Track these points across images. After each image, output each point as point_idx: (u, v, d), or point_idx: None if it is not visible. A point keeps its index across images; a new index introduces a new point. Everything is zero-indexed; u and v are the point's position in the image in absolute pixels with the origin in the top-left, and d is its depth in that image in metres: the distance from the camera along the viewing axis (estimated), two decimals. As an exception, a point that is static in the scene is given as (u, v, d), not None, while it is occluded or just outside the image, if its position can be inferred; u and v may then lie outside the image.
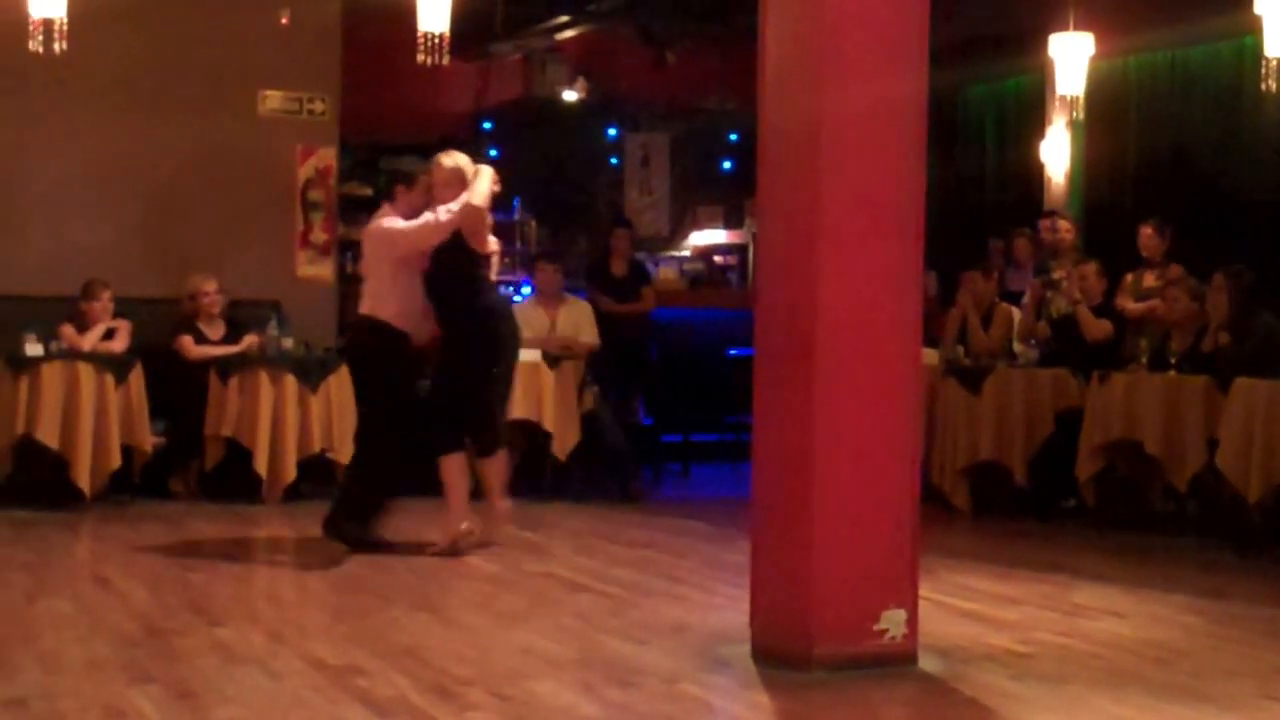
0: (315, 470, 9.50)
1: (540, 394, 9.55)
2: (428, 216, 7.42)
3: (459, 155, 7.59)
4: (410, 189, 7.60)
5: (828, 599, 5.08)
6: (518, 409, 9.49)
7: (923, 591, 5.31)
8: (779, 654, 5.15)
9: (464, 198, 7.37)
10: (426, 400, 7.58)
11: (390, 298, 7.46)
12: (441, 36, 8.83)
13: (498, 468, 7.78)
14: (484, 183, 7.43)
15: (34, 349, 8.93)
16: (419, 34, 8.86)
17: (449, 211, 7.36)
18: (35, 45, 8.65)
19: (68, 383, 8.85)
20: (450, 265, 7.42)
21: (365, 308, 7.58)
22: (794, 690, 4.92)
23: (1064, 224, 10.41)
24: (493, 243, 7.64)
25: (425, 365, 7.74)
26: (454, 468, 7.48)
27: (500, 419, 7.84)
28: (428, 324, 7.58)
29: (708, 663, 5.23)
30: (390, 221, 7.50)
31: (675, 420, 11.62)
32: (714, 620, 5.94)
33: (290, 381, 9.31)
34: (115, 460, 8.95)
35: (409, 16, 8.98)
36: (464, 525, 7.51)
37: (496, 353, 7.53)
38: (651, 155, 15.24)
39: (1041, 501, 9.20)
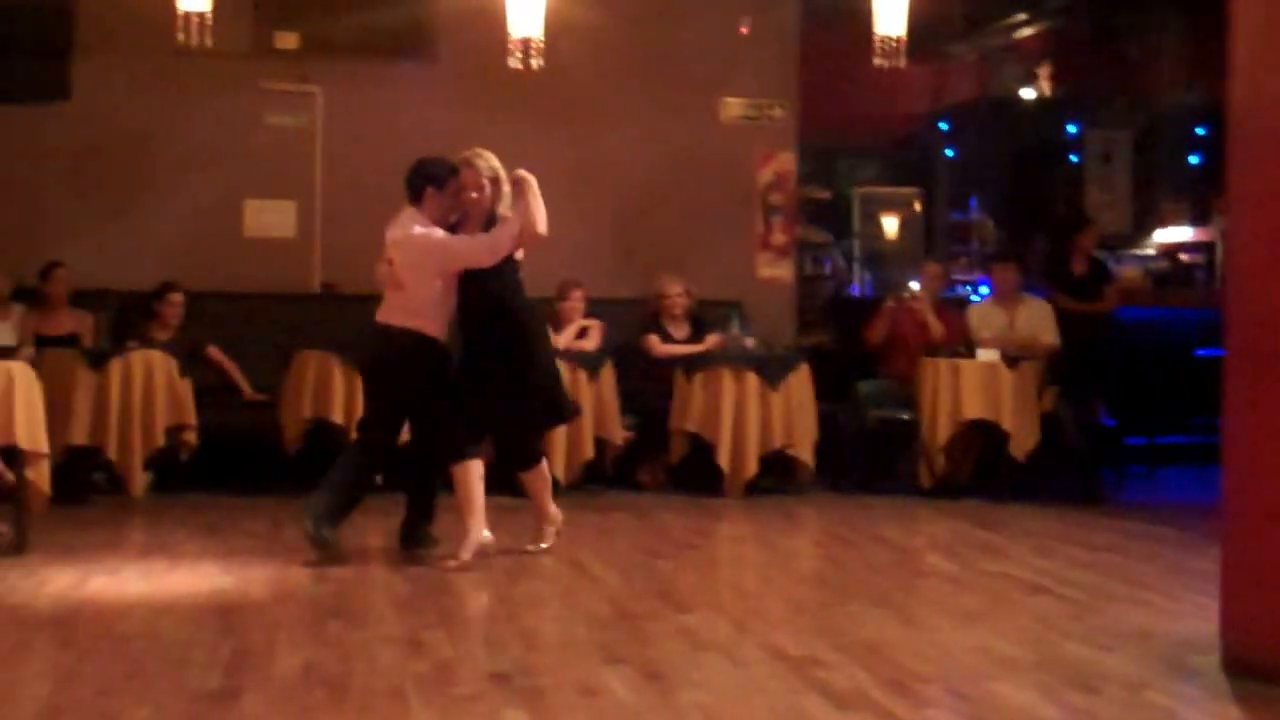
0: (776, 466, 9.72)
1: (999, 394, 9.48)
2: (482, 234, 7.02)
3: (491, 156, 7.06)
4: (440, 191, 7.09)
5: (1305, 610, 4.87)
6: (975, 408, 9.48)
7: None
8: (1252, 666, 4.96)
9: (528, 224, 6.96)
10: (444, 409, 7.08)
11: (439, 312, 7.08)
12: (899, 39, 8.89)
13: (536, 479, 7.39)
14: (540, 204, 7.02)
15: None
16: (876, 37, 8.94)
17: (511, 236, 6.97)
18: (515, 63, 9.22)
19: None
20: (486, 274, 7.05)
21: (404, 319, 7.05)
22: (1268, 704, 4.73)
23: None
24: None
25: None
26: (465, 477, 7.03)
27: (535, 429, 7.53)
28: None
29: (1174, 671, 5.09)
30: (441, 235, 7.05)
31: (1140, 422, 11.27)
32: (1180, 628, 5.76)
33: (752, 379, 9.52)
34: (588, 452, 9.38)
35: (865, 20, 9.07)
36: (485, 535, 7.09)
37: (529, 358, 7.14)
38: (1113, 151, 14.83)
39: None
